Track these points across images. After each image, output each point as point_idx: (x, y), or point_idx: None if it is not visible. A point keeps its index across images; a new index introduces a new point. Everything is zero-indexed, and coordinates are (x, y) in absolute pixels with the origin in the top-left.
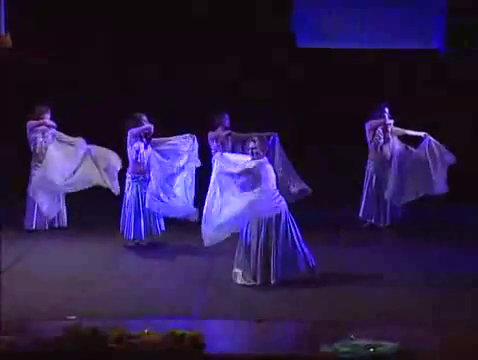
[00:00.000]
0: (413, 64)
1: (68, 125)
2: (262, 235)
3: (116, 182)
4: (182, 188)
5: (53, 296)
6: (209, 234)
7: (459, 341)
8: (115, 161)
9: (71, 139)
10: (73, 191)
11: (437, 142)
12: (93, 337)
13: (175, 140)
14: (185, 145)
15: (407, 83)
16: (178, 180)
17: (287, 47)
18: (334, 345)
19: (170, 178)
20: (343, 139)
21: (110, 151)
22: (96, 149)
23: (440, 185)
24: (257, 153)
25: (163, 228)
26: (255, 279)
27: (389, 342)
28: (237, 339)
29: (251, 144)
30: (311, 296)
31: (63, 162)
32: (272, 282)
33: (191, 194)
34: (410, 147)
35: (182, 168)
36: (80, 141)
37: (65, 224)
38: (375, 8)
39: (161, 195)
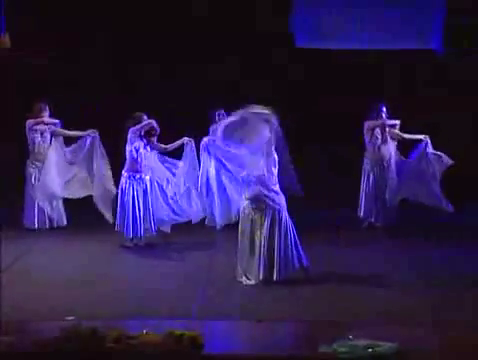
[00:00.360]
0: (413, 64)
1: (68, 125)
2: (265, 233)
3: (109, 214)
4: (183, 200)
5: (52, 296)
6: (218, 215)
7: (459, 341)
8: (110, 190)
9: (78, 133)
10: (71, 197)
11: (434, 151)
12: (92, 337)
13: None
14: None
15: (407, 83)
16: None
17: (287, 47)
18: (333, 345)
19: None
20: (343, 139)
21: (108, 180)
22: (100, 174)
23: (444, 201)
24: None
25: (156, 229)
26: (258, 277)
27: (388, 342)
28: (237, 339)
29: None
30: (311, 296)
31: (58, 170)
32: (275, 279)
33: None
34: (403, 158)
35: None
36: (84, 144)
37: (64, 223)
38: (375, 8)
39: (163, 205)
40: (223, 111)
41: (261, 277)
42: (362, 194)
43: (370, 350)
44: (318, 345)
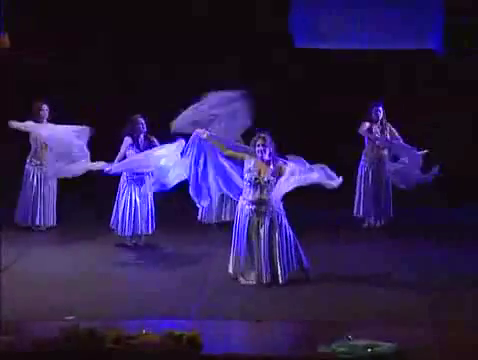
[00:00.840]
0: (413, 64)
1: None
2: (265, 236)
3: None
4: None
5: (52, 296)
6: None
7: (459, 341)
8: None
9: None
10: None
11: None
12: (91, 338)
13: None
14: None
15: (407, 83)
16: None
17: (287, 47)
18: (332, 345)
19: None
20: (343, 139)
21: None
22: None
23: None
24: (263, 151)
25: (153, 229)
26: (263, 279)
27: (387, 342)
28: (236, 339)
29: (259, 141)
30: (311, 296)
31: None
32: (281, 282)
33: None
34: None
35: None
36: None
37: (55, 224)
38: (375, 8)
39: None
40: None
41: (265, 280)
42: (360, 193)
43: (369, 350)
44: (317, 345)
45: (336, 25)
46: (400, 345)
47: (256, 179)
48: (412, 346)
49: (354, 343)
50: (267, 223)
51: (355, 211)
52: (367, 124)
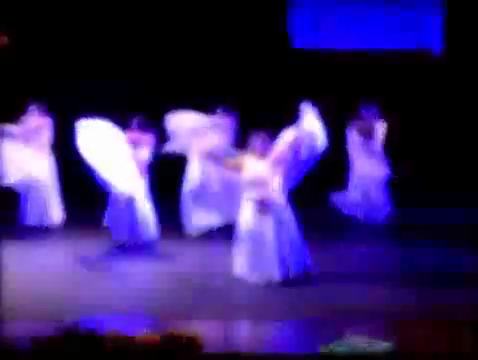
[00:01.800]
0: (413, 64)
1: (68, 125)
2: (272, 233)
3: None
4: None
5: (52, 296)
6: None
7: (459, 341)
8: None
9: None
10: None
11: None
12: (91, 337)
13: None
14: None
15: (407, 83)
16: None
17: (287, 48)
18: (331, 345)
19: None
20: (343, 139)
21: None
22: None
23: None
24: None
25: (154, 232)
26: (269, 276)
27: (386, 341)
28: (236, 339)
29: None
30: (311, 296)
31: None
32: (282, 278)
33: None
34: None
35: None
36: None
37: (60, 221)
38: (375, 8)
39: None
40: (222, 109)
41: (275, 278)
42: (350, 192)
43: (368, 349)
44: (317, 345)
45: (336, 25)
46: (399, 345)
47: (260, 176)
48: (412, 346)
49: (353, 342)
50: (274, 220)
51: (346, 210)
52: (359, 124)
